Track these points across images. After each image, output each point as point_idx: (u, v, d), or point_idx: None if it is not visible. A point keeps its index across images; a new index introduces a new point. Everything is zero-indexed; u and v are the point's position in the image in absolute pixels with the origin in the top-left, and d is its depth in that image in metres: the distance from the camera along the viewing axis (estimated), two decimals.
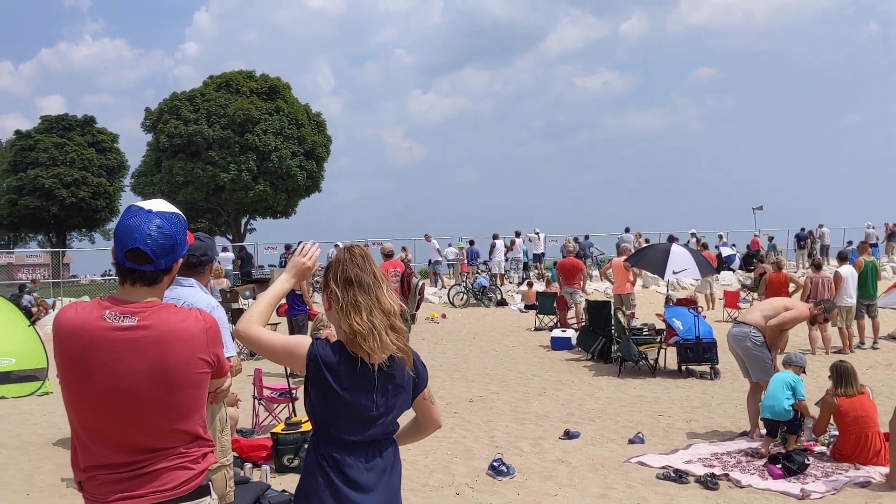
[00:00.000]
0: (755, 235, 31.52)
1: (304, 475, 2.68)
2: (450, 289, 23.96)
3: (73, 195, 46.97)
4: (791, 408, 6.85)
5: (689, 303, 13.38)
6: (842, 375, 6.77)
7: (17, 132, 49.70)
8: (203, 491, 2.44)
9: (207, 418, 3.98)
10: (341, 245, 14.44)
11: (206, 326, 2.42)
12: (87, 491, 2.38)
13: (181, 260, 2.47)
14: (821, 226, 31.67)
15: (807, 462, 6.45)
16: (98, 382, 2.29)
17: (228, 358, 3.91)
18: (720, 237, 30.07)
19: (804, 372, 7.36)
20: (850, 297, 13.16)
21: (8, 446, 8.03)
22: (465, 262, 26.21)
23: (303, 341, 2.65)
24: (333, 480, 2.59)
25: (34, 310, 19.76)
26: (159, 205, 2.41)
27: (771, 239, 31.58)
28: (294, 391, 8.37)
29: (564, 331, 14.92)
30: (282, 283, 2.83)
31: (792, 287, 12.85)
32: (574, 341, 14.06)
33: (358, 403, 2.59)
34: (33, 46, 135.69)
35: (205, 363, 2.41)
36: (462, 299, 22.86)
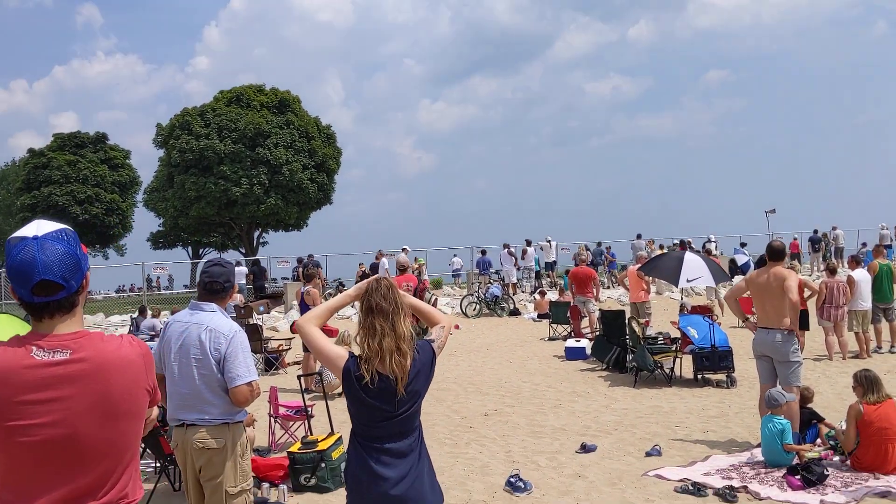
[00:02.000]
0: (794, 238, 31.33)
1: (347, 461, 3.38)
2: (462, 299, 23.96)
3: (87, 212, 47.30)
4: (793, 455, 6.80)
5: (705, 310, 13.33)
6: (870, 382, 6.72)
7: (31, 150, 50.11)
8: None
9: (229, 445, 4.02)
10: (408, 249, 14.29)
11: (142, 352, 2.31)
12: None
13: (89, 273, 2.30)
14: (834, 228, 31.50)
15: (826, 473, 6.40)
16: (35, 428, 2.10)
17: (248, 382, 3.93)
18: (742, 244, 29.58)
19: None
20: (865, 302, 13.08)
21: None
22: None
23: (343, 354, 3.32)
24: (367, 465, 3.23)
25: None
26: (42, 227, 2.23)
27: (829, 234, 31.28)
28: (310, 408, 8.38)
29: (579, 340, 14.87)
30: (344, 297, 3.54)
31: (807, 293, 12.75)
32: (589, 351, 14.03)
33: (379, 407, 3.21)
34: (47, 64, 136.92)
35: (145, 392, 2.30)
36: (475, 309, 22.83)
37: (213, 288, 4.14)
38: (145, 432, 2.47)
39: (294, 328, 3.41)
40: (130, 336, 2.36)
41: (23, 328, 12.42)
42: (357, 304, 3.45)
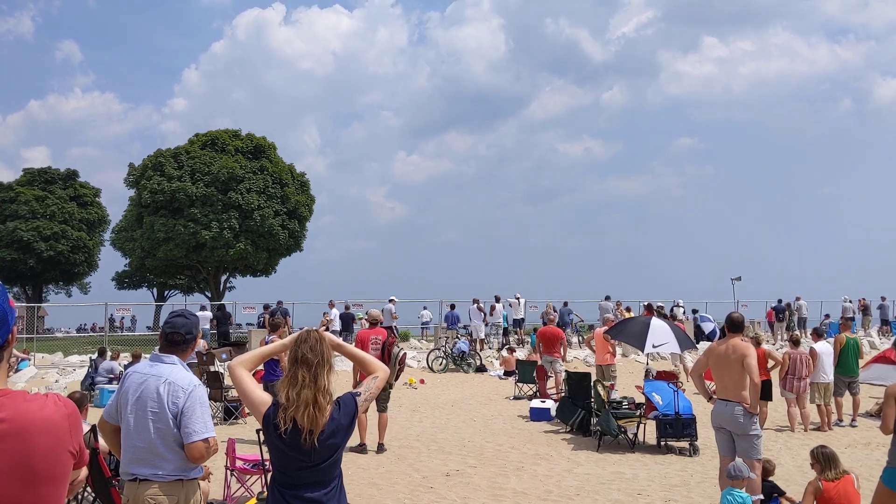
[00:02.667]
0: (771, 308, 31.16)
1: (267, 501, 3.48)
2: (429, 353, 23.81)
3: (52, 248, 46.67)
4: None
5: (670, 377, 13.36)
6: (827, 459, 6.71)
7: None
8: None
9: (181, 500, 3.89)
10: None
11: (68, 413, 2.19)
12: None
13: (15, 330, 2.20)
14: (798, 298, 31.89)
15: None
16: None
17: (205, 438, 3.83)
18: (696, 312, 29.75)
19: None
20: (826, 374, 13.20)
21: None
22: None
23: (266, 400, 3.43)
24: None
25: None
26: None
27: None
28: (267, 462, 8.18)
29: (544, 401, 14.80)
30: (278, 345, 3.68)
31: (770, 363, 12.86)
32: (553, 412, 13.95)
33: (295, 456, 3.30)
34: (23, 97, 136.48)
35: (69, 455, 2.19)
36: (441, 364, 22.70)
37: (174, 339, 4.06)
38: (70, 495, 2.36)
39: (228, 369, 3.39)
40: (56, 395, 2.24)
41: None
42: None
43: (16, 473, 2.05)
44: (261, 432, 9.04)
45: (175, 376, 3.91)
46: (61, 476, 2.18)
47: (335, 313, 26.11)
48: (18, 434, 2.06)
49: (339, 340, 3.73)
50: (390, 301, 26.58)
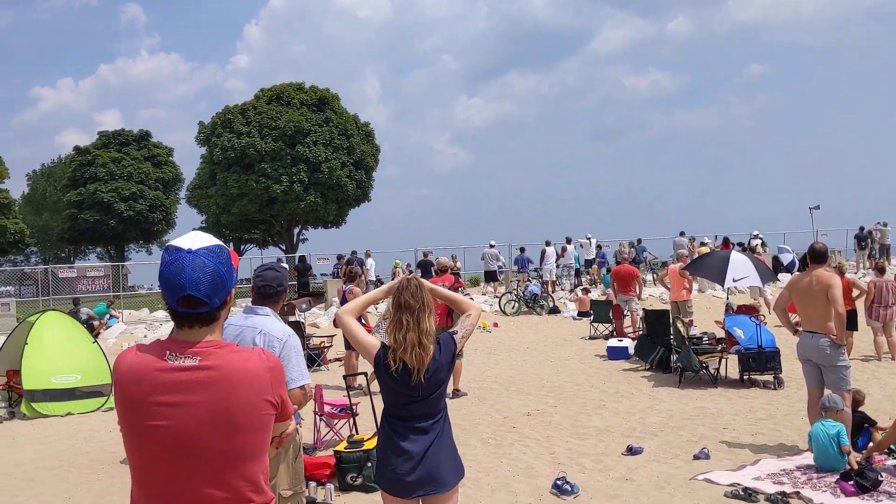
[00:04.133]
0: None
1: (378, 437, 3.85)
2: (501, 297, 23.90)
3: (131, 208, 48.10)
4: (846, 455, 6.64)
5: (751, 310, 13.13)
6: None
7: (76, 148, 51.11)
8: None
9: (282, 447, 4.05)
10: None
11: (271, 366, 2.31)
12: None
13: (233, 291, 2.36)
14: (885, 224, 30.69)
15: (880, 478, 6.26)
16: (158, 428, 2.18)
17: (302, 386, 3.96)
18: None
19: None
20: None
21: (78, 465, 8.23)
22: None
23: (375, 343, 3.74)
24: (392, 441, 3.65)
25: (95, 324, 20.18)
26: (199, 240, 2.27)
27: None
28: (355, 406, 8.42)
29: (621, 340, 14.75)
30: (378, 292, 4.04)
31: (855, 292, 12.52)
32: (631, 351, 13.91)
33: (404, 392, 3.60)
34: (93, 62, 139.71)
35: (270, 405, 2.30)
36: (513, 307, 22.77)
37: (266, 292, 4.18)
38: (281, 447, 2.53)
39: (336, 318, 3.80)
40: (262, 349, 2.38)
41: (74, 326, 12.60)
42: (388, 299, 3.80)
43: (218, 420, 2.19)
44: (347, 378, 9.32)
45: (270, 327, 4.03)
46: (260, 426, 2.28)
47: (371, 263, 26.71)
48: (222, 382, 2.21)
49: (432, 285, 3.90)
50: (491, 246, 27.07)
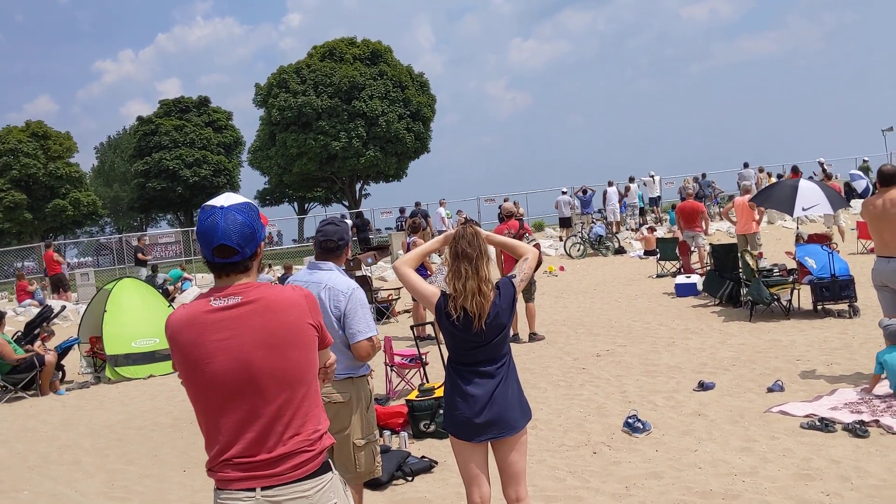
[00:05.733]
0: None
1: (444, 383, 3.91)
2: (566, 240, 23.77)
3: (196, 174, 48.99)
4: None
5: (823, 239, 12.76)
6: None
7: (140, 118, 52.14)
8: (325, 468, 2.55)
9: (354, 399, 4.15)
10: (509, 204, 14.66)
11: (305, 294, 2.60)
12: (218, 473, 2.49)
13: (263, 243, 2.63)
14: None
15: None
16: (217, 363, 2.43)
17: (369, 338, 4.04)
18: (865, 169, 27.75)
19: None
20: None
21: (162, 424, 8.58)
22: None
23: (436, 292, 3.79)
24: (458, 386, 3.71)
25: (170, 288, 20.81)
26: (230, 199, 2.56)
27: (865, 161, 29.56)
28: (424, 356, 8.54)
29: (689, 276, 14.55)
30: (434, 242, 4.14)
31: None
32: (700, 287, 13.72)
33: (467, 338, 3.65)
34: (150, 32, 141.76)
35: (311, 327, 2.57)
36: (579, 250, 22.64)
37: (328, 246, 4.24)
38: (327, 381, 2.85)
39: (394, 269, 3.90)
40: (293, 285, 2.70)
41: (149, 292, 13.03)
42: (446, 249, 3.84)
43: (267, 342, 2.47)
44: (415, 328, 9.45)
45: (334, 281, 4.10)
46: (307, 343, 2.57)
47: (443, 213, 26.45)
48: (266, 310, 2.49)
49: (487, 232, 3.98)
50: (563, 193, 26.75)
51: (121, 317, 12.01)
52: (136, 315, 12.14)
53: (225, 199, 2.56)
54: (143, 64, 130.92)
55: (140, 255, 24.23)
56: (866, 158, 30.29)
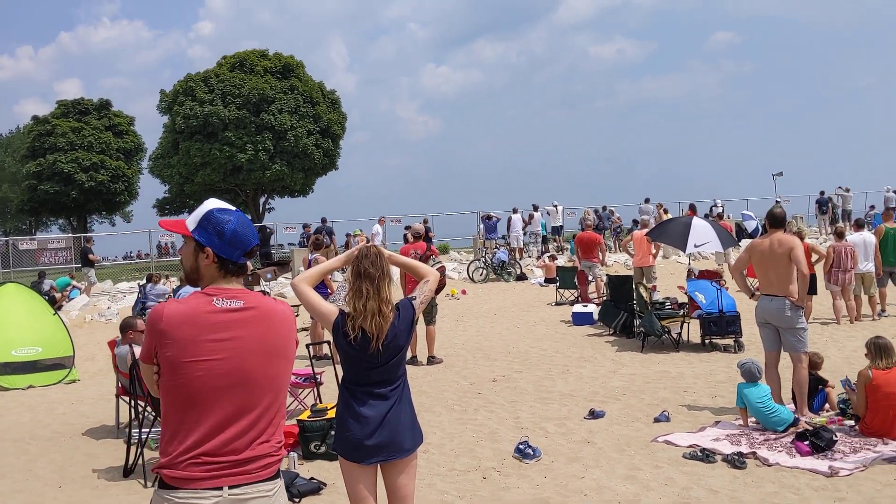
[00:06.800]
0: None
1: (337, 404, 3.88)
2: (469, 264, 23.96)
3: (93, 179, 47.16)
4: (791, 413, 6.93)
5: (713, 275, 13.29)
6: (879, 349, 6.69)
7: (35, 117, 49.91)
8: (279, 473, 2.68)
9: None
10: (419, 225, 14.69)
11: (291, 309, 2.79)
12: (181, 471, 2.50)
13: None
14: (847, 189, 31.11)
15: (834, 438, 6.41)
16: (214, 362, 2.53)
17: None
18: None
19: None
20: (864, 265, 12.96)
21: (39, 437, 8.15)
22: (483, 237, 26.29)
23: (334, 311, 3.74)
24: (351, 407, 3.69)
25: (57, 296, 19.90)
26: (222, 203, 2.75)
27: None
28: (319, 376, 8.42)
29: (586, 305, 14.88)
30: (336, 261, 3.98)
31: (815, 257, 12.72)
32: (596, 316, 14.04)
33: (363, 358, 3.63)
34: (53, 30, 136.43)
35: (294, 341, 2.78)
36: (481, 274, 22.84)
37: (320, 242, 4.22)
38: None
39: (292, 287, 3.85)
40: (275, 297, 2.84)
41: (34, 299, 12.41)
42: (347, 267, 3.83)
43: (264, 349, 2.62)
44: (310, 347, 9.30)
45: None
46: (292, 355, 2.76)
47: (378, 229, 26.35)
48: (265, 318, 2.65)
49: (391, 252, 4.01)
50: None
51: (2, 324, 11.40)
52: (18, 322, 11.55)
53: (224, 204, 2.73)
54: (42, 62, 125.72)
55: (90, 256, 22.97)
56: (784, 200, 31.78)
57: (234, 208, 2.72)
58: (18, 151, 54.44)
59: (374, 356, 3.63)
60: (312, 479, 6.06)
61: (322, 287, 12.25)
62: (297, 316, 14.94)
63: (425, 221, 27.12)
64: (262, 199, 46.10)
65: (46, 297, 15.85)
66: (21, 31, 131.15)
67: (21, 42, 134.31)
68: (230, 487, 2.49)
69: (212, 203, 2.74)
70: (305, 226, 27.46)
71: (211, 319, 2.55)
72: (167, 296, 15.75)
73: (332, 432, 6.57)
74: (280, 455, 2.65)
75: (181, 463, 2.48)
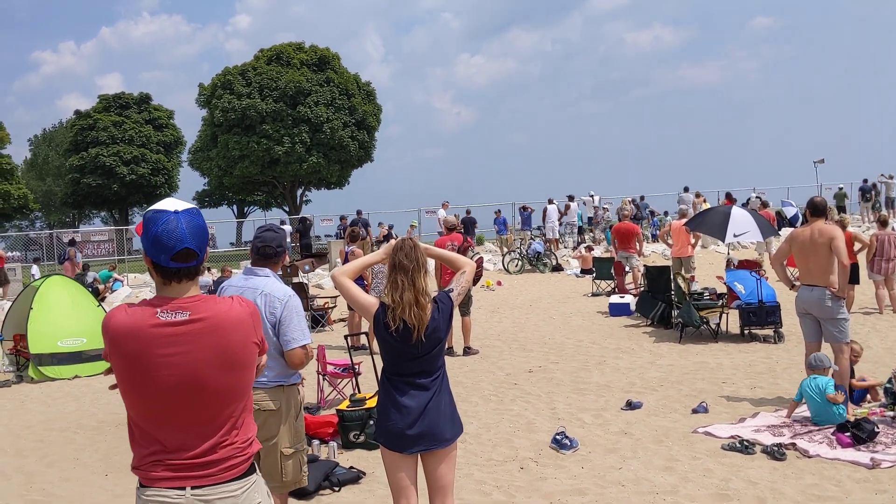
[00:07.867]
0: None
1: (378, 394, 3.92)
2: (504, 255, 23.96)
3: (133, 172, 48.03)
4: (842, 410, 6.70)
5: (752, 265, 13.16)
6: None
7: (77, 112, 50.87)
8: (251, 469, 2.61)
9: (284, 407, 4.12)
10: (452, 217, 14.79)
11: (251, 311, 2.59)
12: (145, 471, 2.50)
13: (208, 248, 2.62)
14: (891, 176, 30.45)
15: (876, 430, 6.34)
16: (163, 377, 2.41)
17: (303, 346, 4.03)
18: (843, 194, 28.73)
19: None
20: None
21: (85, 427, 8.36)
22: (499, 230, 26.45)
23: (374, 302, 3.79)
24: (392, 397, 3.73)
25: (100, 287, 20.30)
26: (177, 204, 2.54)
27: (841, 188, 30.68)
28: (357, 366, 8.51)
29: (623, 296, 14.81)
30: (375, 255, 4.09)
31: (857, 246, 12.52)
32: (633, 307, 13.98)
33: (404, 349, 3.68)
34: (94, 25, 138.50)
35: (255, 345, 2.60)
36: (517, 266, 22.83)
37: (266, 253, 4.22)
38: (257, 376, 2.76)
39: (333, 279, 3.92)
40: (239, 297, 2.64)
41: (79, 290, 12.69)
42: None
43: (217, 361, 2.48)
44: (349, 338, 9.40)
45: (270, 288, 4.08)
46: (251, 362, 2.61)
47: (442, 213, 26.38)
48: (216, 329, 2.48)
49: (426, 245, 4.05)
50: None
51: (48, 315, 11.68)
52: (63, 313, 11.82)
53: (174, 205, 2.53)
54: (84, 57, 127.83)
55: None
56: (841, 186, 31.26)
57: (181, 208, 2.52)
58: (61, 145, 55.61)
59: (415, 347, 3.68)
60: (352, 468, 6.15)
61: (359, 280, 12.38)
62: (333, 307, 15.12)
63: (468, 212, 27.14)
64: (300, 192, 46.49)
65: (90, 289, 16.19)
66: (63, 27, 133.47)
67: (63, 38, 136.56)
68: (193, 488, 2.46)
69: (159, 203, 2.63)
70: (342, 217, 27.65)
71: (154, 334, 2.41)
72: (209, 287, 16.01)
73: (371, 422, 6.68)
74: (248, 453, 2.58)
75: (145, 464, 2.49)
